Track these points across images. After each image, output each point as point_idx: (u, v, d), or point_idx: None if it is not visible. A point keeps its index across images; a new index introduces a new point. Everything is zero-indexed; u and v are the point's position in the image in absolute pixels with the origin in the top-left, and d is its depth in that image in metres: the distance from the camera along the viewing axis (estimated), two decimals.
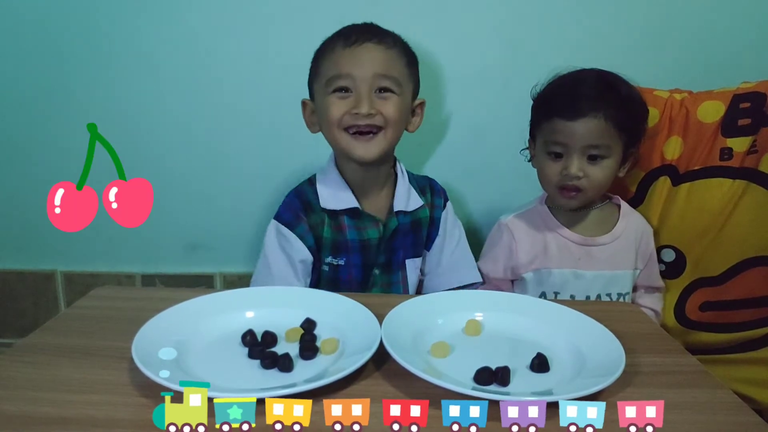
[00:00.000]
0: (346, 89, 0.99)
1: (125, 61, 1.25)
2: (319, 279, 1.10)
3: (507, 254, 1.12)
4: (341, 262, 1.08)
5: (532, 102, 1.10)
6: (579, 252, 1.09)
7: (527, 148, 1.15)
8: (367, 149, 1.01)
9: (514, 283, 1.16)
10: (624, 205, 1.13)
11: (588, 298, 1.08)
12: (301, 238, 1.05)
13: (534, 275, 1.11)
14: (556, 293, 1.09)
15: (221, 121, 1.30)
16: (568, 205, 1.07)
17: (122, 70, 1.26)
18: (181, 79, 1.27)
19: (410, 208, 1.10)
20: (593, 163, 1.02)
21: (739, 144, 1.11)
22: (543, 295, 1.09)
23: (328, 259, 1.08)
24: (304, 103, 1.09)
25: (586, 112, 0.99)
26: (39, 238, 1.39)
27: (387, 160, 1.09)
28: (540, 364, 0.65)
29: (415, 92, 1.08)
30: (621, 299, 1.10)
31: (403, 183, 1.12)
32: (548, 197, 1.14)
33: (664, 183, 1.17)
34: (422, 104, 1.10)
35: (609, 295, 1.09)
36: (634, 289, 1.15)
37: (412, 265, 1.14)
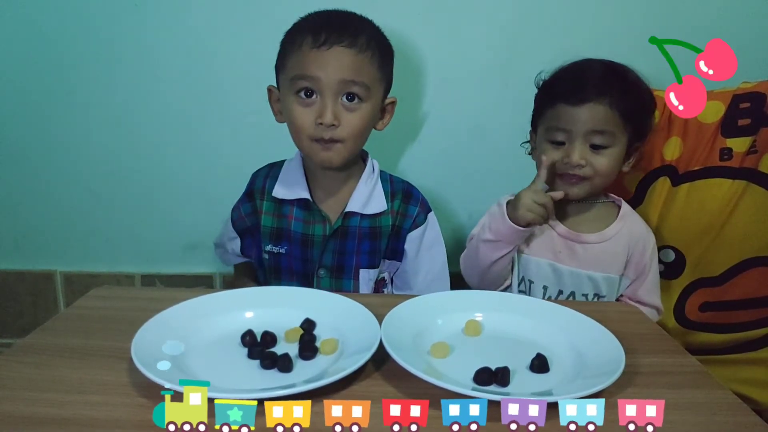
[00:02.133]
0: (310, 92, 0.95)
1: (125, 61, 1.25)
2: (262, 269, 1.09)
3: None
4: (282, 251, 1.06)
5: (536, 91, 1.07)
6: (561, 245, 1.06)
7: (528, 141, 1.12)
8: (329, 158, 0.98)
9: None
10: (625, 206, 1.09)
11: (561, 293, 1.05)
12: (234, 222, 1.12)
13: (516, 258, 1.07)
14: (530, 282, 1.06)
15: (221, 121, 1.30)
16: (571, 192, 1.02)
17: (122, 71, 1.26)
18: (181, 80, 1.27)
19: (367, 212, 1.04)
20: (597, 152, 0.99)
21: (738, 144, 1.11)
22: (523, 280, 1.07)
23: (268, 247, 1.06)
24: (270, 90, 1.04)
25: (591, 97, 0.96)
26: (38, 239, 1.39)
27: (350, 161, 1.04)
28: (540, 364, 0.65)
29: (387, 90, 1.04)
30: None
31: (366, 183, 1.05)
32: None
33: (663, 183, 1.17)
34: (393, 103, 1.05)
35: (585, 295, 1.05)
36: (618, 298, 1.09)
37: (365, 276, 1.06)
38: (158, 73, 1.26)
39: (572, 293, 1.05)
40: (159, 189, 1.35)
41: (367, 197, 1.04)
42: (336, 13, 0.99)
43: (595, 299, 1.05)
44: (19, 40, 1.24)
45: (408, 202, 1.08)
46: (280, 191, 1.05)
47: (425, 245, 1.09)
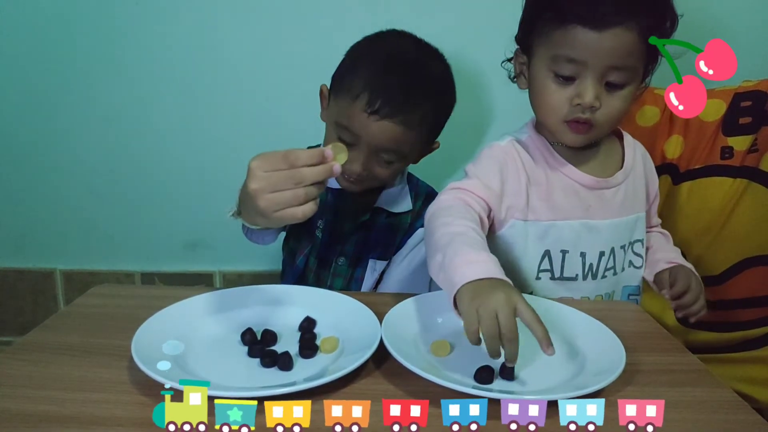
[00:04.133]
0: (350, 142, 0.94)
1: (125, 59, 1.25)
2: (311, 248, 1.07)
3: (498, 177, 0.87)
4: (319, 234, 1.07)
5: None
6: (590, 197, 0.88)
7: (509, 60, 0.92)
8: (352, 188, 1.01)
9: (498, 239, 0.90)
10: (625, 134, 0.95)
11: (602, 254, 0.90)
12: None
13: (533, 229, 0.88)
14: (564, 252, 0.89)
15: (221, 120, 1.30)
16: (575, 143, 0.85)
17: (123, 69, 1.26)
18: (181, 78, 1.27)
19: (394, 210, 1.07)
20: (611, 92, 0.80)
21: (739, 143, 1.11)
22: (547, 254, 0.89)
23: (319, 222, 1.06)
24: (322, 90, 1.04)
25: (619, 20, 0.74)
26: (38, 237, 1.39)
27: None
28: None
29: (432, 140, 1.03)
30: (632, 248, 0.95)
31: (397, 183, 1.08)
32: (540, 124, 0.91)
33: (664, 182, 1.17)
34: (437, 146, 1.06)
35: (623, 247, 0.92)
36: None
37: (372, 266, 1.08)
38: (159, 71, 1.26)
39: (612, 250, 0.91)
40: (159, 187, 1.35)
41: (395, 197, 1.07)
42: (402, 72, 0.93)
43: (631, 248, 0.94)
44: (19, 39, 1.24)
45: (427, 204, 1.06)
46: None
47: (423, 246, 1.06)
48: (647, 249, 0.99)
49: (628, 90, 0.81)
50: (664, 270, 0.95)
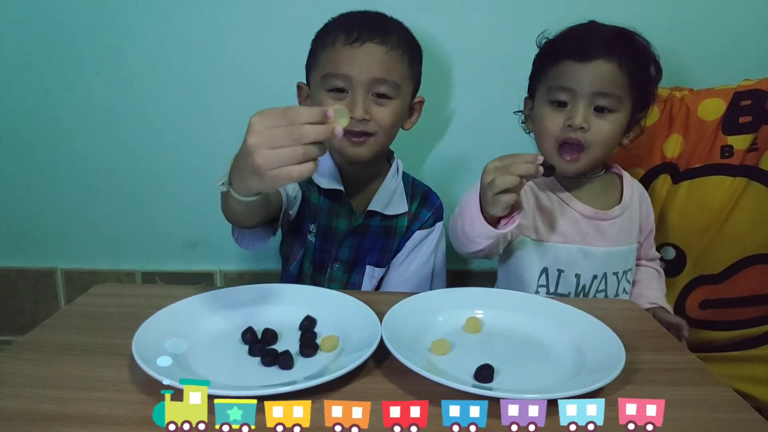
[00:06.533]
0: (342, 89, 0.96)
1: (125, 58, 1.25)
2: (304, 253, 1.07)
3: None
4: (312, 239, 1.06)
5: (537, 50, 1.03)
6: (587, 226, 1.00)
7: (520, 111, 1.07)
8: (359, 153, 0.99)
9: (508, 251, 1.02)
10: (625, 173, 1.07)
11: (595, 277, 1.01)
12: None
13: (536, 247, 1.01)
14: (560, 271, 1.01)
15: (222, 119, 1.30)
16: (568, 170, 0.97)
17: (123, 68, 1.26)
18: (181, 77, 1.26)
19: (388, 212, 1.05)
20: (600, 116, 0.93)
21: (739, 142, 1.11)
22: (545, 271, 1.01)
23: (312, 227, 1.05)
24: (299, 87, 1.06)
25: (600, 54, 0.91)
26: (39, 236, 1.39)
27: (379, 158, 1.06)
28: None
29: (416, 89, 1.05)
30: (625, 277, 1.04)
31: (389, 184, 1.07)
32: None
33: (664, 181, 1.17)
34: (421, 102, 1.06)
35: (616, 274, 1.02)
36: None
37: (370, 272, 1.08)
38: (158, 70, 1.26)
39: (605, 275, 1.02)
40: (160, 186, 1.35)
41: (389, 198, 1.06)
42: (367, 13, 1.01)
43: (624, 276, 1.03)
44: (19, 38, 1.24)
45: (423, 205, 1.10)
46: (319, 178, 1.03)
47: (421, 247, 1.09)
48: (635, 282, 1.08)
49: (616, 116, 0.94)
50: (647, 310, 1.01)
